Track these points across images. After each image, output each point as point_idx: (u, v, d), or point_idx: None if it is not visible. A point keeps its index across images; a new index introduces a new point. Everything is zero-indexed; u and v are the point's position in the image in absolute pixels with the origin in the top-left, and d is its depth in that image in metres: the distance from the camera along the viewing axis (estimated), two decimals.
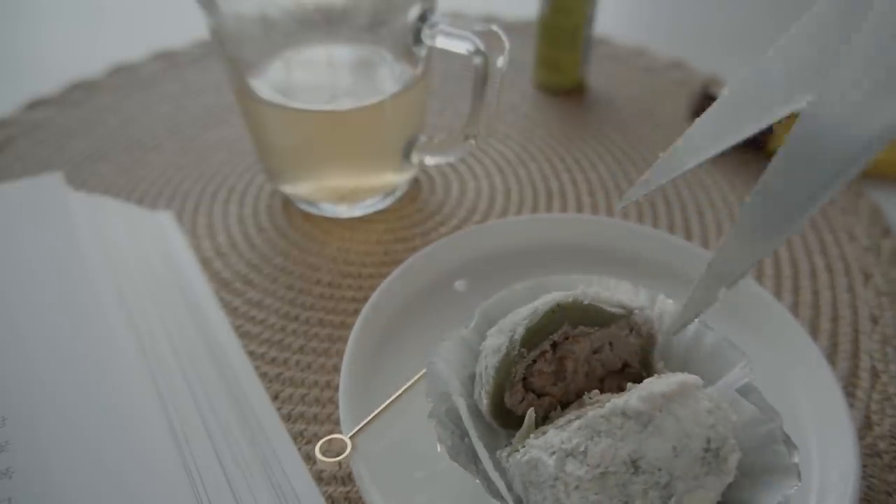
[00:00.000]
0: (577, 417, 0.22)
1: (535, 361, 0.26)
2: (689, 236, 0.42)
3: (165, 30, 0.64)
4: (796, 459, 0.22)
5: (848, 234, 0.42)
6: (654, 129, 0.52)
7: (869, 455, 0.30)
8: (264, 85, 0.37)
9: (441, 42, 0.35)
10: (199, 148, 0.50)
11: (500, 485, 0.23)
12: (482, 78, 0.35)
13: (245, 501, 0.27)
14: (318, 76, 0.39)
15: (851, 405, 0.32)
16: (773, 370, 0.31)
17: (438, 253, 0.36)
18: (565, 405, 0.26)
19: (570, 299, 0.26)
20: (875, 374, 0.33)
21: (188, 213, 0.44)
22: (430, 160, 0.41)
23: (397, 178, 0.43)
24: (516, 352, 0.25)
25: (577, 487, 0.21)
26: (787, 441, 0.23)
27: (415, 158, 0.41)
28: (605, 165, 0.48)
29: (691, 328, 0.28)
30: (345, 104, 0.38)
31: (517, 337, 0.25)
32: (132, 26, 0.70)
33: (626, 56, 0.63)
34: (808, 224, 0.43)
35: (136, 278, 0.36)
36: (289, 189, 0.43)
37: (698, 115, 0.56)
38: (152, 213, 0.43)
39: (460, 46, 0.35)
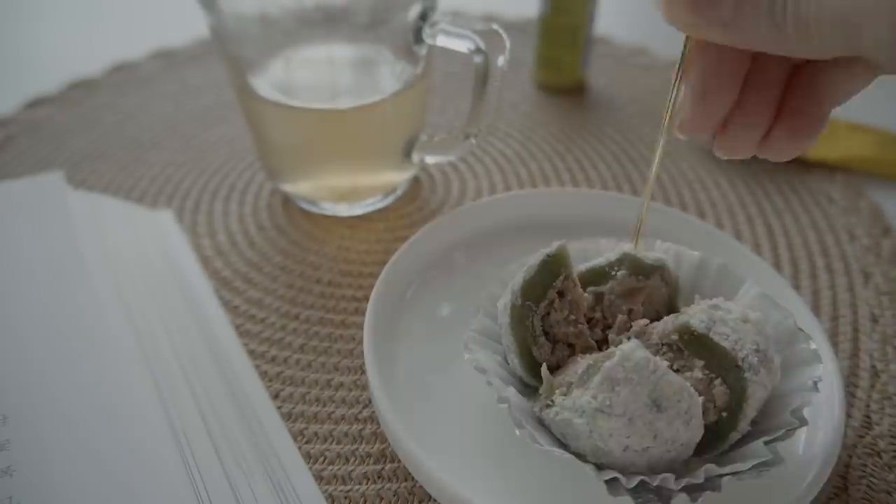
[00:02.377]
0: (596, 369, 0.24)
1: (548, 314, 0.28)
2: None
3: (165, 28, 0.64)
4: (814, 346, 0.27)
5: (848, 233, 0.42)
6: (654, 129, 0.52)
7: (869, 454, 0.30)
8: (265, 83, 0.37)
9: (442, 41, 0.35)
10: (199, 146, 0.50)
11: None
12: (482, 77, 0.35)
13: (245, 500, 0.27)
14: (318, 75, 0.39)
15: (852, 404, 0.32)
16: None
17: (445, 227, 0.37)
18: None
19: (555, 249, 0.28)
20: (875, 374, 0.33)
21: (188, 211, 0.44)
22: (430, 159, 0.41)
23: (398, 177, 0.43)
24: (520, 301, 0.27)
25: (611, 436, 0.23)
26: (803, 332, 0.27)
27: (415, 157, 0.41)
28: (606, 164, 0.48)
29: (693, 260, 0.31)
30: (345, 103, 0.38)
31: (517, 287, 0.27)
32: (131, 25, 0.69)
33: (626, 55, 0.63)
34: (809, 224, 0.43)
35: (136, 277, 0.36)
36: (289, 188, 0.42)
37: None
38: (152, 212, 0.43)
39: (461, 45, 0.35)
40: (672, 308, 0.30)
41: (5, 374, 0.30)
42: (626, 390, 0.23)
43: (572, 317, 0.28)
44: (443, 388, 0.30)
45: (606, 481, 0.24)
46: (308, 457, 0.29)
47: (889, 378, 0.33)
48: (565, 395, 0.25)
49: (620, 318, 0.28)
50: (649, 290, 0.29)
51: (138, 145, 0.50)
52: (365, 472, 0.29)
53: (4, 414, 0.28)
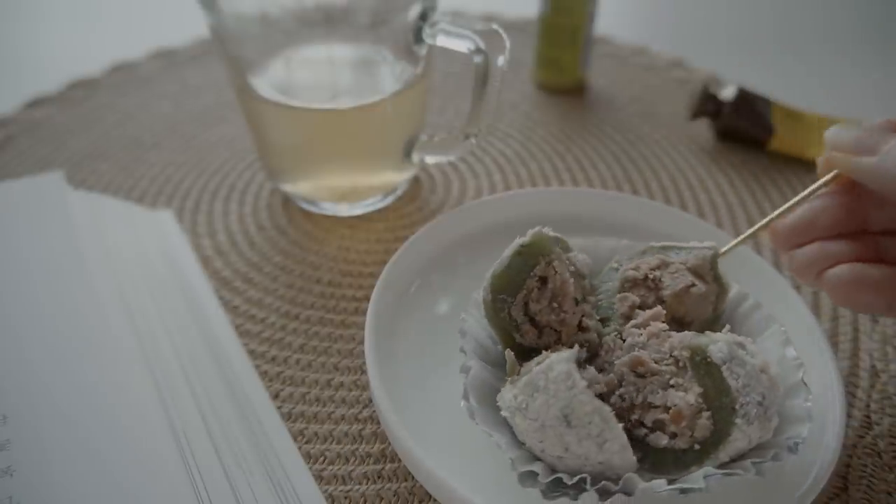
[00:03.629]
0: (528, 369, 0.25)
1: (527, 303, 0.28)
2: None
3: (164, 28, 0.64)
4: (810, 403, 0.25)
5: None
6: (655, 128, 0.52)
7: (869, 455, 0.30)
8: (265, 84, 0.37)
9: (442, 41, 0.35)
10: (199, 146, 0.50)
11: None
12: (483, 77, 0.35)
13: (245, 500, 0.27)
14: (318, 75, 0.39)
15: (852, 405, 0.32)
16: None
17: (446, 225, 0.37)
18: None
19: (530, 238, 0.28)
20: (875, 374, 0.33)
21: (188, 211, 0.44)
22: (430, 159, 0.41)
23: (398, 177, 0.43)
24: (490, 297, 0.27)
25: (527, 434, 0.24)
26: (805, 387, 0.26)
27: (415, 157, 0.41)
28: (606, 164, 0.48)
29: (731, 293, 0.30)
30: (345, 103, 0.38)
31: (487, 284, 0.28)
32: (131, 25, 0.69)
33: (626, 55, 0.63)
34: None
35: (137, 277, 0.36)
36: (289, 188, 0.43)
37: (699, 115, 0.56)
38: (152, 212, 0.43)
39: (461, 45, 0.35)
40: (701, 330, 0.29)
41: (5, 374, 0.30)
42: (541, 399, 0.23)
43: (555, 304, 0.28)
44: (443, 388, 0.30)
45: (521, 473, 0.24)
46: (308, 457, 0.29)
47: (889, 378, 0.33)
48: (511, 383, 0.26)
49: (652, 311, 0.28)
50: (704, 294, 0.29)
51: (138, 145, 0.50)
52: (365, 472, 0.29)
53: (4, 414, 0.28)
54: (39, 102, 0.54)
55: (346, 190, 0.42)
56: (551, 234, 0.28)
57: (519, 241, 0.28)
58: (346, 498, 0.28)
